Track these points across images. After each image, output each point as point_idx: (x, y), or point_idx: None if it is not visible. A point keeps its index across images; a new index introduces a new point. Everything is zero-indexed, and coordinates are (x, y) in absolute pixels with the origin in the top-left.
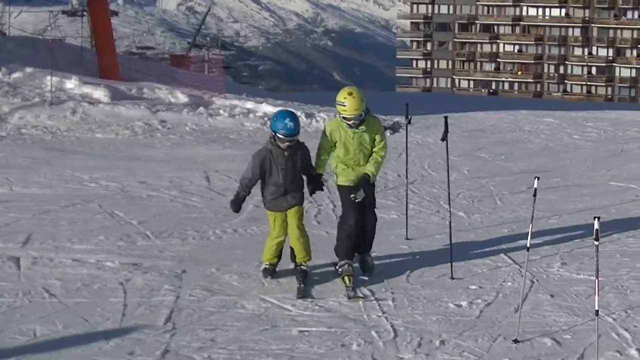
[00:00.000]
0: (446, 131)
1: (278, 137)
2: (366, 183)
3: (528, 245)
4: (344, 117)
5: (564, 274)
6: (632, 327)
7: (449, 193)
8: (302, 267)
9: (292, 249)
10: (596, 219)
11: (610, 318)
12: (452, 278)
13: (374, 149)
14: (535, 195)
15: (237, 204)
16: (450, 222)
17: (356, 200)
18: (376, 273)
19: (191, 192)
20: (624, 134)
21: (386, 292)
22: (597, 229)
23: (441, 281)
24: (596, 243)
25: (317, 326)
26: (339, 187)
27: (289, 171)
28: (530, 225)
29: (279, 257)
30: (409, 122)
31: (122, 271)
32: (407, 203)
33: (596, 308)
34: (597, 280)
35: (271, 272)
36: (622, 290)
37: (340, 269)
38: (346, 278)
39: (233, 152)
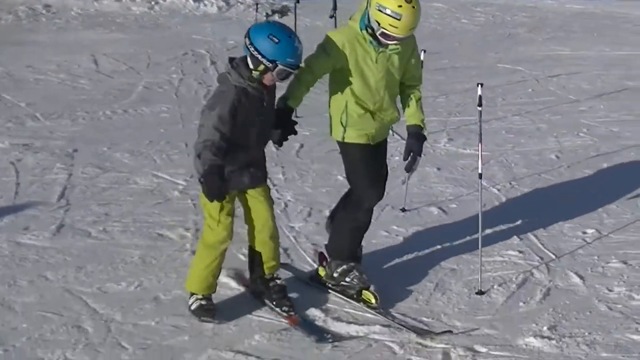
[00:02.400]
0: (334, 8)
1: (279, 70)
2: (420, 141)
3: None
4: (385, 35)
5: (450, 148)
6: (516, 196)
7: None
8: (277, 280)
9: (253, 256)
10: (479, 85)
11: (495, 189)
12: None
13: (409, 81)
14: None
15: (214, 177)
16: None
17: (410, 173)
18: (266, 150)
19: (79, 75)
20: (512, 19)
21: (276, 166)
22: (480, 95)
23: (330, 156)
24: (479, 109)
25: None
26: (348, 147)
27: (265, 126)
28: None
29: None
30: (297, 1)
31: (13, 152)
32: None
33: (479, 171)
34: (480, 145)
35: (211, 309)
36: (507, 164)
37: (348, 279)
38: (370, 295)
39: (120, 35)
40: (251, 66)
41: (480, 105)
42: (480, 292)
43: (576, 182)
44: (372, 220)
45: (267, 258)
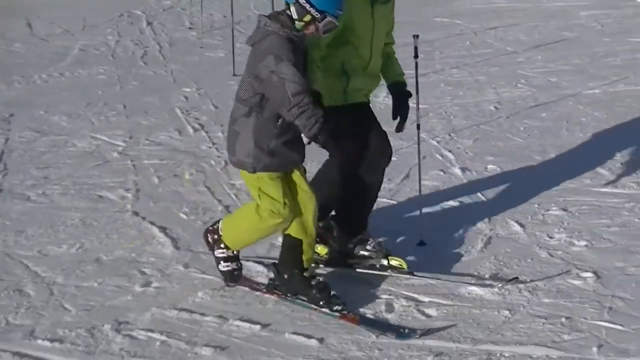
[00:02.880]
0: None
1: (327, 21)
2: (407, 99)
3: None
4: None
5: (389, 102)
6: (455, 148)
7: None
8: (318, 277)
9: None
10: (415, 37)
11: (434, 141)
12: None
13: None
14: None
15: (321, 125)
16: None
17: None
18: (206, 109)
19: (13, 38)
20: None
21: (215, 125)
22: (415, 47)
23: None
24: (415, 60)
25: (150, 159)
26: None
27: None
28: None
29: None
30: None
31: None
32: (233, 41)
33: (417, 122)
34: (417, 96)
35: (239, 275)
36: (446, 116)
37: (369, 248)
38: (399, 261)
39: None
40: (295, 16)
41: (416, 56)
42: (422, 243)
43: (515, 132)
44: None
45: (308, 247)
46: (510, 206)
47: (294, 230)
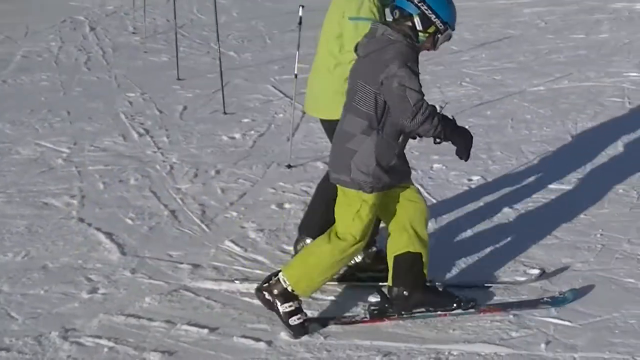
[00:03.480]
0: None
1: (447, 34)
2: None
3: (295, 72)
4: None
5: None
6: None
7: (217, 33)
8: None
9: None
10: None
11: None
12: (225, 113)
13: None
14: (300, 23)
15: (457, 128)
16: (220, 61)
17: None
18: (150, 114)
19: None
20: None
21: (160, 129)
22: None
23: (214, 116)
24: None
25: (94, 165)
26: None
27: None
28: (297, 54)
29: None
30: None
31: None
32: (177, 45)
33: None
34: None
35: (308, 326)
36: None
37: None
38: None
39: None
40: (419, 27)
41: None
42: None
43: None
44: (259, 177)
45: (427, 258)
46: (457, 205)
47: (412, 246)
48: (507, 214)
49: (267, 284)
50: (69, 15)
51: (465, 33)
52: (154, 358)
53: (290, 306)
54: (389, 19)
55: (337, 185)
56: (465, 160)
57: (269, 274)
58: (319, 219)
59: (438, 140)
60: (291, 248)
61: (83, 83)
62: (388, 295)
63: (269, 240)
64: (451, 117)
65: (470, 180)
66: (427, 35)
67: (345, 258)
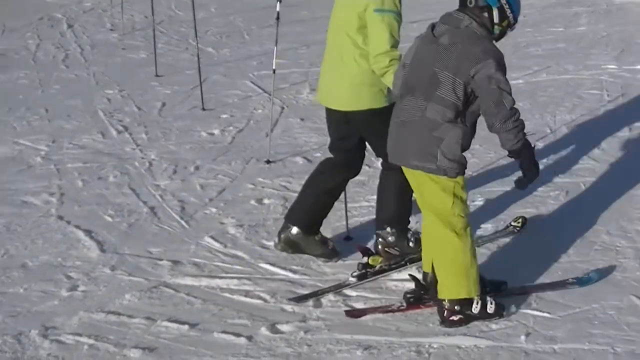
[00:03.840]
0: None
1: (511, 26)
2: None
3: (274, 68)
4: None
5: (313, 99)
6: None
7: (195, 30)
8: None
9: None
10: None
11: None
12: (204, 109)
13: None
14: (278, 18)
15: (533, 156)
16: (198, 57)
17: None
18: (129, 111)
19: None
20: None
21: (139, 126)
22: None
23: (193, 113)
24: None
25: (73, 162)
26: (385, 110)
27: None
28: (275, 49)
29: None
30: None
31: None
32: (155, 42)
33: None
34: None
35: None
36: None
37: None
38: None
39: None
40: (497, 20)
41: None
42: (348, 238)
43: None
44: (238, 173)
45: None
46: None
47: None
48: (485, 207)
49: (445, 309)
50: (47, 12)
51: None
52: (134, 355)
53: (475, 307)
54: None
55: (424, 176)
56: (521, 189)
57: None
58: (308, 209)
59: (510, 155)
60: (271, 243)
61: (61, 81)
62: (423, 282)
63: (248, 235)
64: (533, 145)
65: None
66: (501, 28)
67: (471, 235)
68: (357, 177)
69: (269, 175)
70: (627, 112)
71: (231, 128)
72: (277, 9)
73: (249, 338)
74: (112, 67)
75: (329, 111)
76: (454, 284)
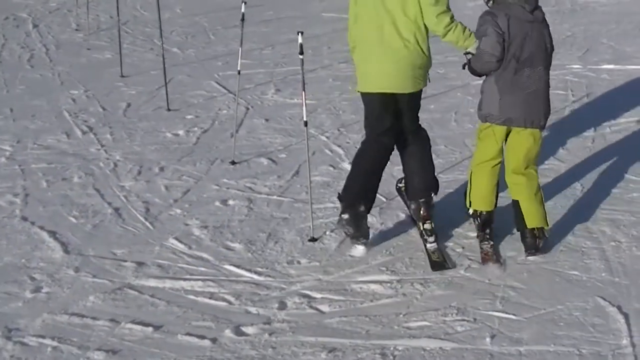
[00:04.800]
0: None
1: None
2: None
3: (239, 69)
4: None
5: (278, 99)
6: (344, 143)
7: (161, 30)
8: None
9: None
10: (299, 34)
11: (324, 137)
12: (169, 110)
13: None
14: (243, 19)
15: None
16: (163, 58)
17: None
18: (94, 111)
19: None
20: None
21: (104, 127)
22: (300, 43)
23: (158, 113)
24: (301, 57)
25: (37, 163)
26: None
27: None
28: (240, 50)
29: None
30: None
31: None
32: (120, 42)
33: (304, 119)
34: (303, 93)
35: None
36: (335, 111)
37: None
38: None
39: None
40: None
41: (301, 53)
42: (313, 239)
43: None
44: (203, 174)
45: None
46: (400, 199)
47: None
48: (449, 208)
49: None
50: (12, 12)
51: None
52: (98, 357)
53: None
54: None
55: (539, 133)
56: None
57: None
58: (359, 188)
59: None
60: (235, 245)
61: (26, 81)
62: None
63: (213, 237)
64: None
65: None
66: None
67: None
68: (322, 179)
69: (233, 176)
70: (592, 112)
71: (196, 129)
72: (242, 10)
73: (213, 340)
74: (77, 67)
75: (385, 97)
76: (544, 215)
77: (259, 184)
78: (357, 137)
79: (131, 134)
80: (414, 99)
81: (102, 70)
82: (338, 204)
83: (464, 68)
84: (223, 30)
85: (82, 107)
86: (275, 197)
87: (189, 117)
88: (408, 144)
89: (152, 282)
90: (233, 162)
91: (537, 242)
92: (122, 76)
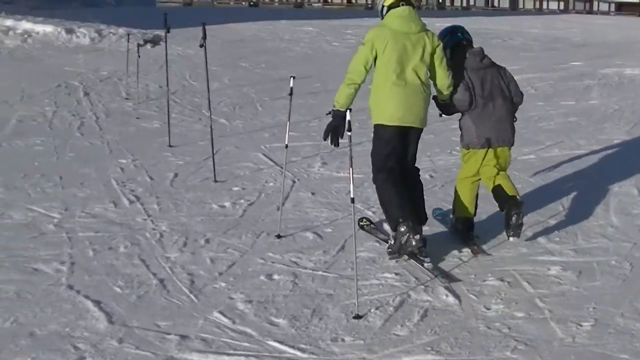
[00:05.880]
0: (204, 37)
1: None
2: None
3: (286, 143)
4: None
5: (324, 172)
6: None
7: (209, 101)
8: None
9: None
10: (348, 111)
11: (370, 212)
12: (216, 181)
13: None
14: (291, 94)
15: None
16: (211, 129)
17: None
18: (141, 180)
19: None
20: None
21: (151, 196)
22: (349, 120)
23: (205, 184)
24: (349, 134)
25: (84, 231)
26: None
27: None
28: (288, 124)
29: None
30: (168, 31)
31: None
32: (168, 112)
33: (351, 196)
34: (351, 169)
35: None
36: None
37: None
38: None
39: None
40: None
41: (349, 130)
42: (358, 317)
43: (449, 201)
44: (248, 247)
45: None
46: (447, 276)
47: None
48: (497, 287)
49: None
50: (64, 79)
51: None
52: None
53: None
54: None
55: (502, 148)
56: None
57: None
58: (399, 207)
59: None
60: (279, 320)
61: (76, 148)
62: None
63: (257, 312)
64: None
65: (460, 252)
66: None
67: None
68: (368, 255)
69: (279, 250)
70: None
71: (242, 201)
72: (291, 84)
73: None
74: (126, 135)
75: (402, 130)
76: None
77: (304, 259)
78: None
79: (178, 204)
80: (420, 134)
81: (150, 140)
82: (384, 280)
83: (440, 116)
84: (270, 101)
85: (130, 176)
86: (320, 272)
87: (236, 188)
88: (409, 175)
89: (195, 356)
90: (279, 236)
91: (519, 220)
92: (170, 146)
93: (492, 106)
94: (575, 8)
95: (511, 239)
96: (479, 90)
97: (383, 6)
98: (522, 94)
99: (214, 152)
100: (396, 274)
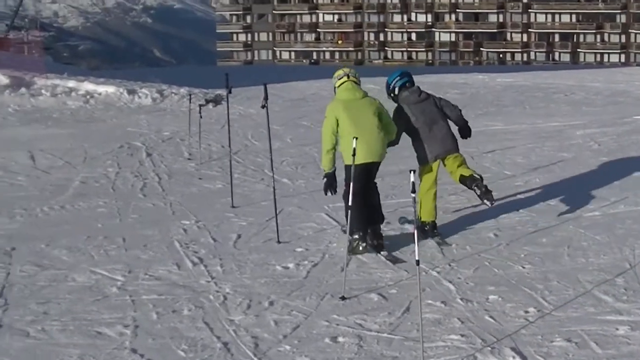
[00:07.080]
0: (266, 97)
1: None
2: None
3: (350, 204)
4: None
5: (388, 233)
6: (455, 279)
7: (271, 161)
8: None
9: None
10: (412, 172)
11: (434, 272)
12: (279, 242)
13: None
14: (354, 154)
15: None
16: (274, 189)
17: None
18: (204, 242)
19: (16, 171)
20: (444, 95)
21: (214, 258)
22: (412, 182)
23: (268, 245)
24: (413, 195)
25: (148, 294)
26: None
27: None
28: (351, 185)
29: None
30: (230, 92)
31: None
32: (231, 172)
33: (416, 258)
34: (415, 231)
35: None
36: (445, 244)
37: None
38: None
39: (56, 130)
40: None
41: (413, 192)
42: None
43: (516, 259)
44: (312, 309)
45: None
46: (513, 338)
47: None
48: (565, 348)
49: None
50: (127, 140)
51: (518, 157)
52: None
53: None
54: None
55: (454, 155)
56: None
57: None
58: (365, 219)
59: None
60: None
61: (139, 210)
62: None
63: None
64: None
65: (526, 312)
66: None
67: None
68: (433, 316)
69: (343, 312)
70: None
71: (306, 262)
72: (354, 144)
73: None
74: (188, 196)
75: (372, 164)
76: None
77: (369, 321)
78: (468, 272)
79: (241, 266)
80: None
81: (213, 201)
82: (450, 342)
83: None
84: None
85: (193, 237)
86: (385, 334)
87: (299, 249)
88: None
89: None
90: (343, 297)
91: (481, 188)
92: (233, 207)
93: (436, 128)
94: (636, 60)
95: (487, 203)
96: (422, 118)
97: (335, 87)
98: (454, 107)
99: (277, 212)
100: (462, 335)
